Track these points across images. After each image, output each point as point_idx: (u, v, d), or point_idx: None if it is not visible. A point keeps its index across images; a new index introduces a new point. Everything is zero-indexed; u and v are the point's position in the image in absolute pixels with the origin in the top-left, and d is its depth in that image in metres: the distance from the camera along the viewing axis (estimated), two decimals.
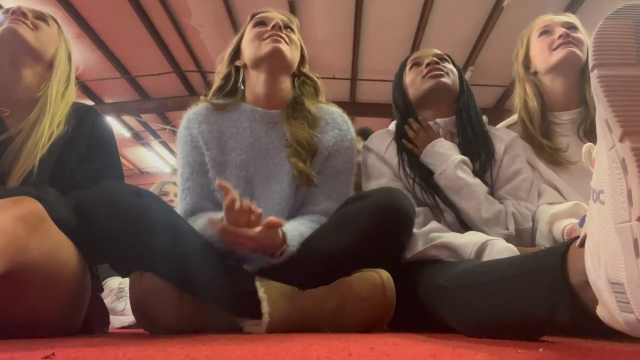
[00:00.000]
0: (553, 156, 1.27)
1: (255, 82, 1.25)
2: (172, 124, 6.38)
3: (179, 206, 1.21)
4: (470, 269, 0.87)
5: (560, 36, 1.29)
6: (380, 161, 1.30)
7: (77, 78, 1.25)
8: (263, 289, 0.96)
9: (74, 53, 1.25)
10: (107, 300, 1.72)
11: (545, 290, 0.65)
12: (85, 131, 1.15)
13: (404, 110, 1.34)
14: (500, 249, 0.99)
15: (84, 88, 5.59)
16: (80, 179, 1.10)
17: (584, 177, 1.18)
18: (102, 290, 1.25)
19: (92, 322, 1.10)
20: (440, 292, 0.90)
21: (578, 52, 1.28)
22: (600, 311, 0.54)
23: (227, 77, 1.30)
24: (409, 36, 4.77)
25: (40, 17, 1.17)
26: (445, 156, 1.21)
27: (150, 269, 0.97)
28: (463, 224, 1.20)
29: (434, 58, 1.32)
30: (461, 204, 1.18)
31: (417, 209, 1.16)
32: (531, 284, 0.68)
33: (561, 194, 1.23)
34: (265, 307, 0.94)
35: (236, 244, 0.97)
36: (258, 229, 0.95)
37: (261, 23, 1.25)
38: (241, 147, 1.20)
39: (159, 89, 5.78)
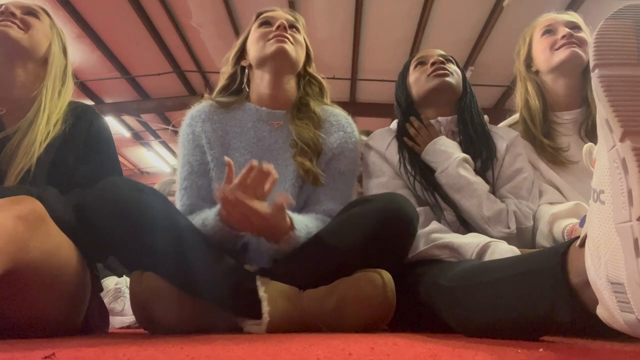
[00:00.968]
0: (554, 156, 1.26)
1: (260, 82, 1.25)
2: (172, 123, 6.38)
3: (176, 206, 1.20)
4: (470, 268, 0.87)
5: (563, 36, 1.29)
6: (381, 159, 1.30)
7: (77, 78, 1.24)
8: (263, 289, 0.96)
9: (70, 46, 1.23)
10: (105, 301, 1.72)
11: (546, 290, 0.65)
12: (82, 130, 1.15)
13: (406, 108, 1.35)
14: (503, 251, 0.99)
15: (84, 88, 5.59)
16: (78, 178, 1.10)
17: (585, 176, 1.19)
18: (102, 289, 1.25)
19: (92, 322, 1.10)
20: (440, 292, 0.90)
21: (581, 52, 1.28)
22: (600, 311, 0.54)
23: (232, 77, 1.30)
24: (409, 36, 4.77)
25: (31, 12, 1.15)
26: (447, 154, 1.21)
27: (150, 267, 0.97)
28: (463, 223, 1.20)
29: (439, 58, 1.33)
30: (462, 202, 1.18)
31: (418, 209, 1.16)
32: (531, 284, 0.68)
33: (562, 194, 1.23)
34: (265, 307, 0.94)
35: (242, 220, 0.95)
36: (266, 205, 0.93)
37: (266, 23, 1.25)
38: (245, 147, 1.20)
39: (159, 89, 5.78)
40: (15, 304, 0.87)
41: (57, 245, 0.91)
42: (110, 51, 5.11)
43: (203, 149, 1.20)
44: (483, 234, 1.11)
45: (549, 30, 1.33)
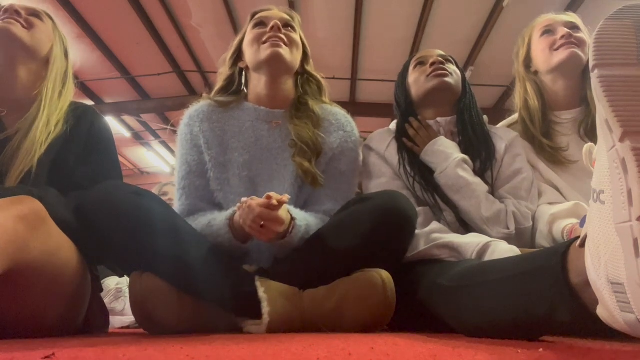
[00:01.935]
0: (553, 155, 1.26)
1: (258, 83, 1.25)
2: (171, 123, 6.37)
3: (175, 206, 1.20)
4: (470, 268, 0.87)
5: (562, 36, 1.29)
6: (381, 160, 1.30)
7: (77, 78, 1.24)
8: (263, 289, 0.96)
9: (71, 49, 1.24)
10: (106, 301, 1.72)
11: (546, 290, 0.65)
12: (83, 131, 1.15)
13: (405, 109, 1.34)
14: (503, 250, 0.99)
15: (84, 88, 5.59)
16: (79, 179, 1.10)
17: (585, 176, 1.19)
18: (102, 290, 1.25)
19: (92, 322, 1.10)
20: (441, 292, 0.90)
21: (580, 53, 1.28)
22: (600, 311, 0.54)
23: (229, 79, 1.30)
24: (409, 36, 4.77)
25: (35, 14, 1.16)
26: (446, 155, 1.21)
27: (150, 269, 0.97)
28: (463, 224, 1.20)
29: (439, 58, 1.33)
30: (461, 203, 1.18)
31: (417, 209, 1.16)
32: (531, 284, 0.68)
33: (561, 194, 1.23)
34: (265, 307, 0.94)
35: (261, 230, 0.96)
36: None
37: (261, 24, 1.24)
38: (243, 147, 1.19)
39: (159, 89, 5.78)
40: (16, 304, 0.87)
41: (57, 245, 0.91)
42: (110, 51, 5.11)
43: (201, 149, 1.20)
44: (483, 234, 1.11)
45: (548, 31, 1.33)
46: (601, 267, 0.51)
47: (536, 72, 1.37)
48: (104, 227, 0.95)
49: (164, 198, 2.26)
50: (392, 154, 1.29)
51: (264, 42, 1.20)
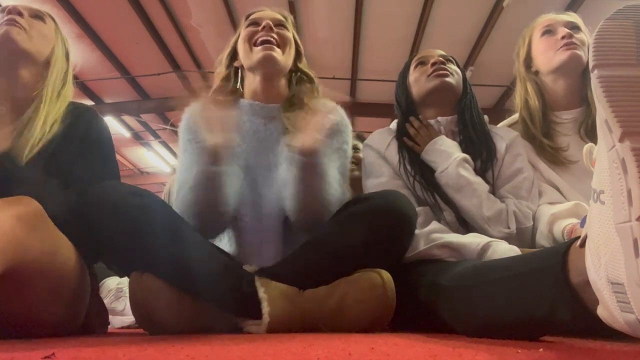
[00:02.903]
0: (554, 155, 1.26)
1: (252, 81, 1.27)
2: (171, 122, 6.37)
3: (177, 179, 1.19)
4: (470, 268, 0.87)
5: (563, 37, 1.29)
6: (381, 159, 1.30)
7: (76, 78, 1.25)
8: (263, 289, 0.96)
9: (72, 52, 1.25)
10: (106, 301, 1.72)
11: (546, 290, 0.65)
12: (80, 131, 1.15)
13: (406, 108, 1.35)
14: (503, 250, 0.99)
15: (84, 88, 5.59)
16: (75, 179, 1.09)
17: (585, 176, 1.19)
18: (98, 289, 1.25)
19: (92, 322, 1.10)
20: (441, 291, 0.90)
21: (581, 53, 1.28)
22: (600, 311, 0.54)
23: (226, 78, 1.31)
24: (409, 36, 4.77)
25: (37, 15, 1.16)
26: (447, 154, 1.21)
27: (150, 270, 0.97)
28: (462, 224, 1.20)
29: (440, 58, 1.33)
30: (462, 202, 1.18)
31: (417, 208, 1.16)
32: (532, 284, 0.68)
33: (562, 194, 1.23)
34: (265, 307, 0.94)
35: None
36: None
37: (254, 24, 1.26)
38: (242, 139, 1.20)
39: (159, 89, 5.78)
40: (15, 304, 0.87)
41: (56, 245, 0.91)
42: (110, 51, 5.11)
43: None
44: (483, 234, 1.11)
45: (549, 31, 1.33)
46: (601, 267, 0.51)
47: (537, 72, 1.37)
48: (103, 227, 0.95)
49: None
50: (393, 153, 1.29)
51: (256, 43, 1.22)
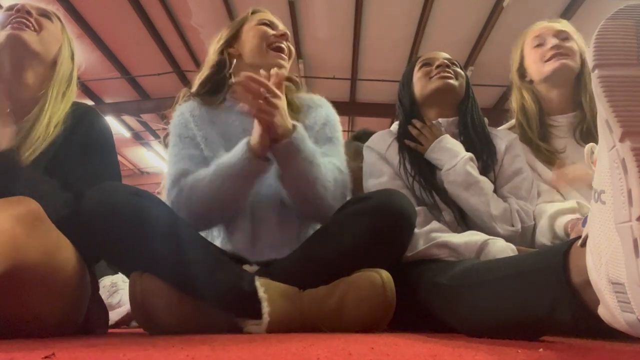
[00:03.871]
0: (550, 157, 1.28)
1: None
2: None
3: (168, 173, 1.18)
4: (471, 267, 0.87)
5: (551, 47, 1.31)
6: (381, 160, 1.30)
7: (77, 78, 1.25)
8: (263, 289, 0.96)
9: (77, 52, 1.25)
10: (102, 297, 1.74)
11: (547, 289, 0.65)
12: (83, 132, 1.15)
13: (409, 109, 1.35)
14: (501, 247, 1.00)
15: (84, 88, 5.60)
16: (76, 179, 1.09)
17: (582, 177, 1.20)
18: (98, 289, 1.25)
19: (92, 322, 1.10)
20: (441, 291, 0.90)
21: (570, 63, 1.30)
22: (601, 311, 0.54)
23: (216, 67, 1.31)
24: (409, 36, 4.77)
25: (45, 14, 1.16)
26: (454, 152, 1.22)
27: (150, 270, 0.97)
28: (461, 223, 1.20)
29: (445, 61, 1.34)
30: (470, 200, 1.18)
31: (417, 208, 1.16)
32: (532, 283, 0.68)
33: (560, 194, 1.24)
34: (265, 307, 0.94)
35: (262, 109, 0.99)
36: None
37: (268, 24, 1.30)
38: (231, 138, 1.20)
39: (159, 89, 5.78)
40: (15, 304, 0.87)
41: (55, 245, 0.91)
42: (110, 51, 5.12)
43: (193, 130, 1.22)
44: (488, 232, 1.11)
45: (539, 41, 1.35)
46: (602, 267, 0.51)
47: (531, 81, 1.39)
48: (103, 228, 0.95)
49: None
50: (393, 154, 1.29)
51: (272, 47, 1.26)
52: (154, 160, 8.37)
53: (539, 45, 1.34)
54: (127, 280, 1.79)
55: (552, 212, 1.14)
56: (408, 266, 1.08)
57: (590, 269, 0.54)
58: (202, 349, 0.61)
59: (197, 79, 1.33)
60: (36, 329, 0.91)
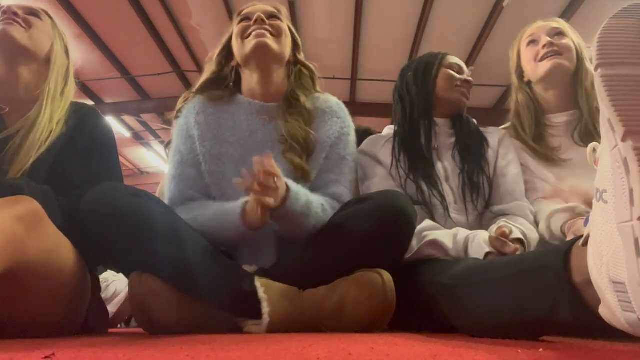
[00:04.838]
0: (546, 156, 1.29)
1: (250, 79, 1.25)
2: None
3: (165, 194, 1.20)
4: (472, 267, 0.87)
5: (544, 46, 1.30)
6: (373, 161, 1.30)
7: (76, 78, 1.24)
8: (263, 289, 0.96)
9: (71, 47, 1.24)
10: None
11: (548, 289, 0.65)
12: (85, 132, 1.15)
13: (424, 108, 1.31)
14: (483, 237, 1.01)
15: (84, 88, 5.59)
16: (79, 180, 1.09)
17: (577, 169, 1.21)
18: (100, 289, 1.25)
19: (92, 322, 1.10)
20: (442, 290, 0.90)
21: (563, 61, 1.29)
22: (602, 311, 0.54)
23: (216, 73, 1.29)
24: (408, 36, 4.77)
25: (33, 13, 1.16)
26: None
27: (150, 270, 0.97)
28: (460, 202, 1.22)
29: (464, 77, 1.36)
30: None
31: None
32: (533, 283, 0.68)
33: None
34: (265, 308, 0.94)
35: (260, 190, 0.97)
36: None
37: (245, 19, 1.24)
38: (238, 141, 1.19)
39: (159, 89, 5.78)
40: (15, 304, 0.87)
41: (55, 245, 0.91)
42: (110, 51, 5.11)
43: (194, 140, 1.20)
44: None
45: (533, 41, 1.35)
46: (603, 267, 0.51)
47: (529, 82, 1.39)
48: (103, 229, 0.95)
49: None
50: (386, 154, 1.29)
51: (248, 36, 1.20)
52: (154, 160, 8.36)
53: (534, 45, 1.34)
54: (116, 274, 1.80)
55: (549, 213, 1.14)
56: (408, 266, 1.08)
57: (592, 268, 0.54)
58: (202, 349, 0.61)
59: (200, 84, 1.31)
60: (36, 329, 0.91)
